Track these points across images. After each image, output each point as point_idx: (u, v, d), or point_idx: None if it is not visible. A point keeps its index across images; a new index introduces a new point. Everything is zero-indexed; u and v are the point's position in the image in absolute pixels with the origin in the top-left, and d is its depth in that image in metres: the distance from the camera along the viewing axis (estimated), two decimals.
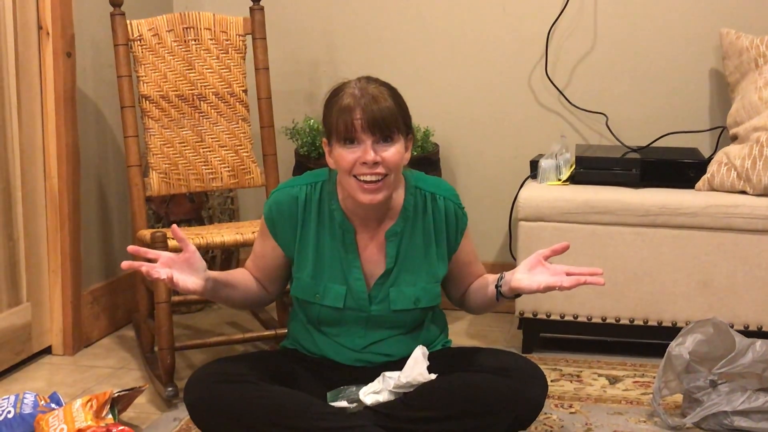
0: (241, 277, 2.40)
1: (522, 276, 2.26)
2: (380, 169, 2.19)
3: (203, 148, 3.10)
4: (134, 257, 2.16)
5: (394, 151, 2.21)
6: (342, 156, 2.20)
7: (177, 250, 2.61)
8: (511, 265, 3.30)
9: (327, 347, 2.37)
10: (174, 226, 2.19)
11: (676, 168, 3.13)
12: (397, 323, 2.36)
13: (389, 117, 2.19)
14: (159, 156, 3.04)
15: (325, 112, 2.27)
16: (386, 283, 2.34)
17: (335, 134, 2.21)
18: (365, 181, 2.20)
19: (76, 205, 3.10)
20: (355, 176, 2.20)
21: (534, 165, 3.27)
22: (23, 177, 2.96)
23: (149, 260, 2.15)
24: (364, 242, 2.34)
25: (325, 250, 2.33)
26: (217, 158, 3.11)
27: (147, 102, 3.03)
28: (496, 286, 2.32)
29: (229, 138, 3.13)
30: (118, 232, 3.43)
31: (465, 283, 2.47)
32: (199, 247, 2.79)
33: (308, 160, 3.37)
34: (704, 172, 3.09)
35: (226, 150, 3.12)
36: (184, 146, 3.08)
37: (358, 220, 2.33)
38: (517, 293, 2.29)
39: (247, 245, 2.84)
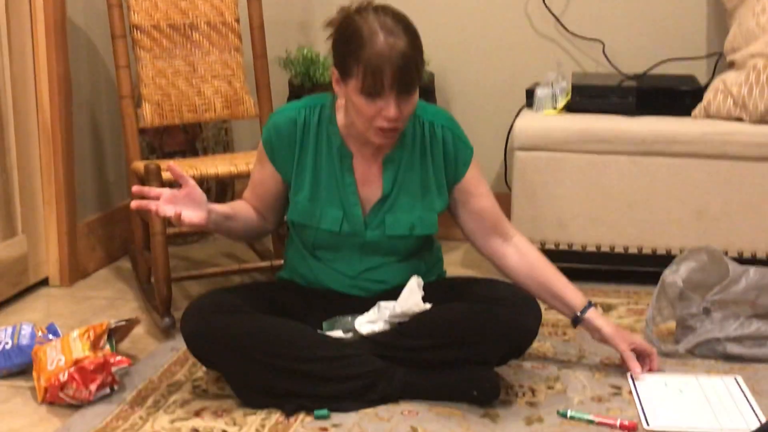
0: (240, 208, 2.40)
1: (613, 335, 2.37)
2: (400, 123, 2.18)
3: (196, 79, 3.08)
4: (138, 197, 2.16)
5: (413, 102, 2.19)
6: (363, 107, 2.16)
7: (172, 184, 2.61)
8: (506, 195, 3.30)
9: (322, 273, 2.38)
10: (171, 163, 2.18)
11: (673, 96, 3.11)
12: (392, 249, 2.37)
13: (415, 73, 2.15)
14: (151, 87, 3.02)
15: (344, 51, 2.18)
16: (382, 208, 2.34)
17: (357, 84, 2.15)
18: (383, 129, 2.18)
19: (68, 136, 3.08)
20: (372, 125, 2.19)
21: (530, 94, 3.25)
22: (15, 109, 2.94)
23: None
24: (362, 167, 2.33)
25: (322, 174, 2.33)
26: (210, 89, 3.09)
27: (138, 32, 2.99)
28: (578, 316, 2.40)
29: (221, 68, 3.10)
30: (112, 164, 3.41)
31: (484, 225, 2.42)
32: (194, 179, 2.78)
33: (302, 90, 3.34)
34: (701, 99, 3.07)
35: (219, 80, 3.10)
36: (177, 77, 3.05)
37: (356, 145, 2.32)
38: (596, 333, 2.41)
39: (242, 176, 2.83)
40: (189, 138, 3.53)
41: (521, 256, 2.41)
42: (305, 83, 3.34)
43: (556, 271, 2.43)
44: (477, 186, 2.41)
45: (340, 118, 2.32)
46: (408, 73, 2.13)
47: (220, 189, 3.69)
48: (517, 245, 2.42)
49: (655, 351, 2.40)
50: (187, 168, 2.77)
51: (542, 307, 2.33)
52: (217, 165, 2.82)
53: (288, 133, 2.33)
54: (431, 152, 2.36)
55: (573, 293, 2.40)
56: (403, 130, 2.31)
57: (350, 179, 2.33)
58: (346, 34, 2.17)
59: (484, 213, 2.41)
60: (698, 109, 3.06)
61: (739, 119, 3.01)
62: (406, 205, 2.35)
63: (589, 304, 2.38)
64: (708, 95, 3.05)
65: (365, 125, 2.20)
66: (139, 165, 2.84)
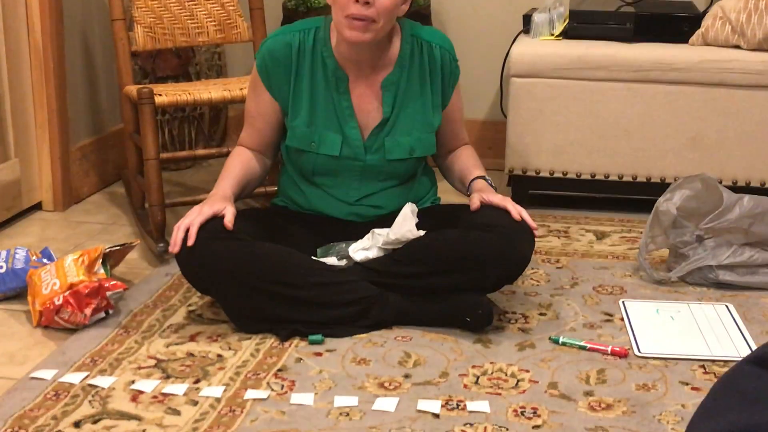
0: (244, 167, 2.39)
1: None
2: (371, 11, 2.16)
3: (188, 2, 3.03)
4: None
5: None
6: None
7: (165, 109, 2.61)
8: (502, 123, 3.30)
9: (319, 201, 2.38)
10: (226, 222, 2.22)
11: (671, 22, 3.08)
12: (391, 173, 2.37)
13: None
14: (144, 10, 2.97)
15: None
16: (382, 132, 2.33)
17: None
18: (354, 18, 2.17)
19: (60, 60, 3.05)
20: (346, 14, 2.18)
21: (527, 19, 3.21)
22: (5, 32, 2.90)
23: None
24: (359, 91, 2.32)
25: (319, 98, 2.32)
26: (203, 12, 3.05)
27: None
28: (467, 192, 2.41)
29: None
30: (105, 89, 3.38)
31: (448, 144, 2.46)
32: (187, 104, 2.77)
33: (296, 14, 3.30)
34: (699, 26, 3.04)
35: (212, 3, 3.06)
36: (169, 1, 3.01)
37: (352, 68, 2.30)
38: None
39: (235, 101, 2.81)
40: (182, 62, 3.50)
41: (456, 155, 2.49)
42: (299, 7, 3.30)
43: (474, 159, 2.47)
44: (455, 111, 2.44)
45: (334, 40, 2.30)
46: None
47: (213, 114, 3.66)
48: (460, 150, 2.49)
49: (508, 199, 2.32)
50: (180, 92, 2.75)
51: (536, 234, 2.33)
52: (210, 90, 2.79)
53: (283, 57, 2.31)
54: (430, 72, 2.35)
55: (471, 172, 2.43)
56: (401, 52, 2.30)
57: (347, 102, 2.31)
58: None
59: (456, 139, 2.48)
60: (696, 36, 3.03)
61: (737, 46, 2.98)
62: (406, 127, 2.34)
63: (480, 178, 2.40)
64: (706, 22, 3.02)
65: (339, 15, 2.20)
66: (132, 89, 2.82)
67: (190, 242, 2.16)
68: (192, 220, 2.19)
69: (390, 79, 2.32)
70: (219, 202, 2.24)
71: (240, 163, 2.40)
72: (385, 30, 2.24)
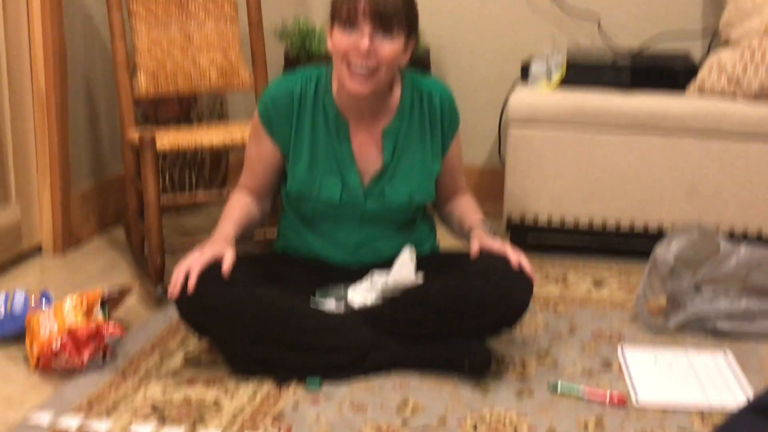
0: (243, 211, 2.40)
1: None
2: (372, 62, 2.19)
3: (191, 49, 3.07)
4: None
5: (391, 47, 2.20)
6: (339, 40, 2.20)
7: (165, 154, 2.62)
8: (500, 170, 3.32)
9: (319, 246, 2.39)
10: (224, 268, 2.21)
11: (667, 72, 3.11)
12: (391, 219, 2.38)
13: (393, 10, 2.18)
14: (146, 56, 3.01)
15: None
16: (382, 179, 2.35)
17: (337, 17, 2.20)
18: (356, 68, 2.19)
19: (63, 105, 3.07)
20: (347, 64, 2.20)
21: (525, 68, 3.24)
22: (9, 78, 2.93)
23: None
24: (359, 138, 2.34)
25: (320, 145, 2.33)
26: (206, 59, 3.08)
27: (134, 2, 2.98)
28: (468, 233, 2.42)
29: (217, 38, 3.09)
30: (107, 133, 3.41)
31: (447, 192, 2.47)
32: (188, 149, 2.79)
33: (298, 61, 3.33)
34: (695, 76, 3.07)
35: (215, 51, 3.09)
36: (172, 47, 3.04)
37: (353, 116, 2.32)
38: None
39: (236, 147, 2.83)
40: (184, 107, 3.52)
41: (454, 203, 2.50)
42: (301, 55, 3.33)
43: (473, 206, 2.49)
44: (454, 159, 2.46)
45: (335, 88, 2.32)
46: (383, 4, 2.15)
47: (214, 159, 3.68)
48: (458, 198, 2.50)
49: (506, 245, 2.33)
50: (181, 137, 2.77)
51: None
52: (212, 135, 2.82)
53: (285, 104, 2.33)
54: (430, 121, 2.38)
55: (470, 220, 2.44)
56: (401, 101, 2.32)
57: (347, 149, 2.33)
58: None
59: (455, 186, 2.50)
60: (692, 86, 3.06)
61: (733, 97, 3.01)
62: (405, 174, 2.36)
63: (479, 224, 2.41)
64: (702, 72, 3.05)
65: (341, 63, 2.22)
66: (134, 134, 2.84)
67: (191, 287, 2.16)
68: (192, 263, 2.20)
69: (390, 127, 2.34)
70: (219, 245, 2.25)
71: (240, 206, 2.40)
72: (386, 80, 2.27)
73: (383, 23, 2.17)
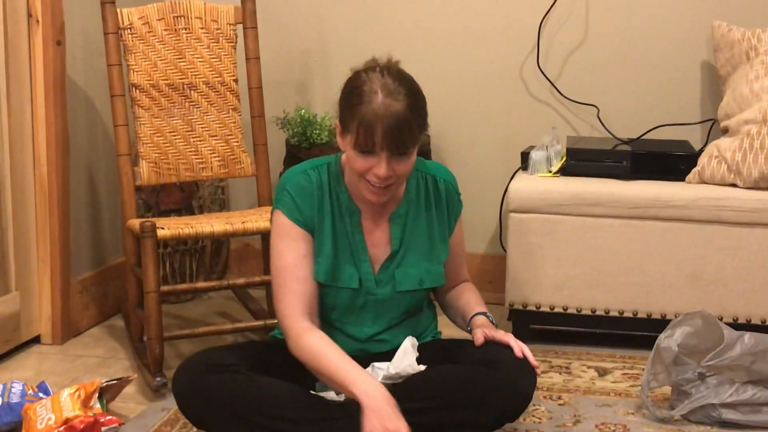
0: (330, 345, 2.21)
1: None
2: (391, 182, 2.19)
3: (193, 138, 3.09)
4: None
5: (407, 164, 2.20)
6: (357, 161, 2.18)
7: (167, 242, 2.62)
8: (501, 257, 3.31)
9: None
10: None
11: (667, 160, 3.13)
12: (401, 307, 2.36)
13: (408, 135, 2.16)
14: (149, 145, 3.03)
15: (344, 105, 2.21)
16: (391, 265, 2.34)
17: (352, 139, 2.17)
18: (374, 186, 2.19)
19: (65, 193, 3.09)
20: (364, 180, 2.20)
21: (525, 156, 3.26)
22: (12, 165, 2.95)
23: None
24: (369, 225, 2.34)
25: (338, 233, 2.32)
26: (208, 147, 3.10)
27: (137, 91, 3.02)
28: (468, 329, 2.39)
29: (219, 127, 3.12)
30: (108, 222, 3.42)
31: (449, 279, 2.46)
32: (189, 237, 2.79)
33: (299, 150, 3.36)
34: (695, 164, 3.09)
35: (217, 139, 3.12)
36: (174, 135, 3.07)
37: (363, 204, 2.32)
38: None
39: (237, 235, 2.83)
40: (185, 196, 3.54)
41: (458, 291, 2.48)
42: (302, 143, 3.36)
43: (476, 295, 2.46)
44: (456, 244, 2.45)
45: (347, 176, 2.32)
46: (400, 134, 2.15)
47: (215, 247, 3.69)
48: (461, 287, 2.49)
49: (510, 335, 2.29)
50: (182, 225, 2.78)
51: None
52: (213, 223, 2.82)
53: (308, 189, 2.29)
54: (435, 205, 2.38)
55: (471, 309, 2.41)
56: (408, 186, 2.33)
57: (359, 237, 2.32)
58: (349, 90, 2.21)
59: (455, 274, 2.48)
60: (692, 174, 3.08)
61: (733, 185, 3.02)
62: (414, 259, 2.35)
63: (482, 314, 2.38)
64: (702, 160, 3.07)
65: (359, 180, 2.21)
66: (135, 222, 2.84)
67: None
68: None
69: (398, 213, 2.34)
70: (397, 416, 2.08)
71: (335, 347, 2.20)
72: (402, 185, 2.28)
73: (399, 149, 2.17)
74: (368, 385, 2.09)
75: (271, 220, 2.34)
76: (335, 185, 2.32)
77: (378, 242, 2.34)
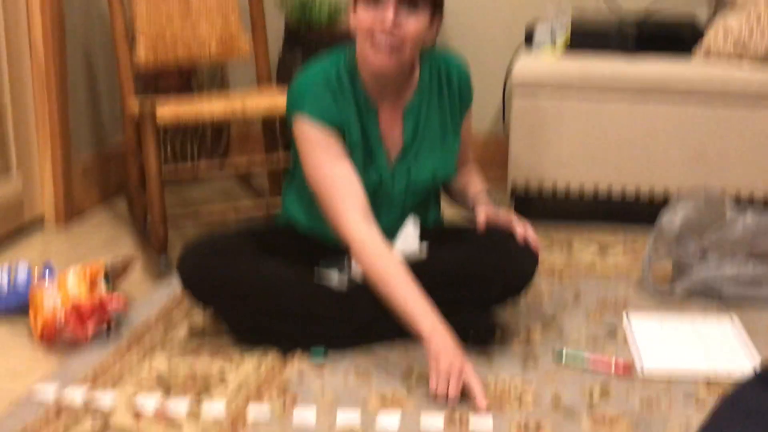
0: (395, 257, 2.18)
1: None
2: (397, 38, 2.13)
3: (191, 18, 3.04)
4: None
5: (416, 22, 2.14)
6: (363, 16, 2.13)
7: (166, 121, 2.59)
8: (503, 139, 3.29)
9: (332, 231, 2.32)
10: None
11: (673, 37, 3.08)
12: (414, 199, 2.35)
13: None
14: (146, 26, 2.98)
15: None
16: (406, 159, 2.31)
17: None
18: (380, 42, 2.13)
19: (62, 74, 3.05)
20: (371, 40, 2.15)
21: (529, 33, 3.21)
22: (8, 47, 2.91)
23: None
24: (385, 120, 2.30)
25: (358, 128, 2.28)
26: (206, 28, 3.05)
27: None
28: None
29: (217, 7, 3.06)
30: (107, 103, 3.39)
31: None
32: (189, 119, 2.77)
33: (298, 30, 3.31)
34: (701, 40, 3.04)
35: (214, 19, 3.06)
36: (172, 16, 3.01)
37: (379, 95, 2.27)
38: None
39: (237, 117, 2.81)
40: (184, 77, 3.50)
41: (459, 174, 2.46)
42: (301, 24, 3.30)
43: (477, 177, 2.46)
44: (465, 133, 2.43)
45: (361, 69, 2.27)
46: None
47: (215, 129, 3.67)
48: (463, 169, 2.48)
49: (512, 215, 2.30)
50: (182, 108, 2.75)
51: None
52: (213, 106, 2.79)
53: (330, 89, 2.22)
54: (448, 95, 2.34)
55: (474, 189, 2.41)
56: (421, 76, 2.28)
57: (377, 132, 2.29)
58: None
59: (462, 159, 2.45)
60: (698, 51, 3.03)
61: (740, 61, 2.98)
62: (428, 152, 2.32)
63: (485, 194, 2.39)
64: (708, 36, 3.03)
65: (364, 40, 2.15)
66: (134, 104, 2.82)
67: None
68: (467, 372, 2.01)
69: (411, 105, 2.30)
70: (463, 356, 2.04)
71: (402, 269, 2.12)
72: (410, 57, 2.20)
73: None
74: (435, 326, 2.04)
75: (291, 126, 2.26)
76: (354, 81, 2.27)
77: (393, 136, 2.31)
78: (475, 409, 1.95)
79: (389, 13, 2.10)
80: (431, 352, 2.02)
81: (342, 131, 2.23)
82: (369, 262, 2.12)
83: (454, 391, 1.98)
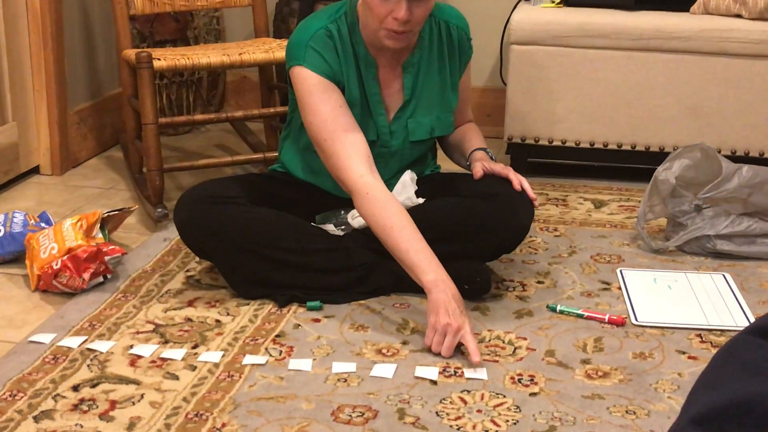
0: (399, 205, 2.15)
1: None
2: (409, 26, 2.13)
3: None
4: None
5: (426, 8, 2.13)
6: (375, 6, 2.11)
7: (163, 71, 2.58)
8: (501, 90, 3.29)
9: (331, 184, 2.32)
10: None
11: None
12: (411, 155, 2.35)
13: None
14: None
15: None
16: (404, 115, 2.31)
17: None
18: (392, 31, 2.13)
19: (58, 23, 3.03)
20: (381, 26, 2.14)
21: None
22: None
23: None
24: (384, 76, 2.29)
25: (357, 84, 2.27)
26: None
27: None
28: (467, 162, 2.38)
29: None
30: (103, 53, 3.37)
31: (454, 120, 2.44)
32: (186, 69, 2.75)
33: None
34: None
35: None
36: None
37: (379, 53, 2.26)
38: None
39: (234, 67, 2.79)
40: (180, 26, 3.48)
41: (459, 131, 2.46)
42: None
43: (477, 134, 2.45)
44: (464, 89, 2.42)
45: (362, 25, 2.25)
46: None
47: (211, 79, 3.65)
48: (463, 126, 2.47)
49: (509, 169, 2.29)
50: (178, 57, 2.74)
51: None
52: (209, 55, 2.78)
53: (330, 44, 2.21)
54: (448, 52, 2.33)
55: (470, 143, 2.40)
56: (421, 33, 2.27)
57: (376, 88, 2.28)
58: None
59: (460, 116, 2.45)
60: (697, 5, 3.02)
61: (738, 15, 2.97)
62: (426, 108, 2.32)
63: (482, 150, 2.37)
64: None
65: (377, 26, 2.14)
66: (130, 53, 2.80)
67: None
68: (464, 332, 1.98)
69: (411, 60, 2.29)
70: (467, 311, 2.05)
71: (401, 210, 2.11)
72: (419, 30, 2.22)
73: None
74: (438, 276, 2.02)
75: (288, 79, 2.26)
76: (353, 36, 2.25)
77: (392, 92, 2.30)
78: (469, 363, 1.97)
79: (402, 10, 2.09)
80: (431, 304, 2.02)
81: (342, 86, 2.22)
82: (373, 212, 2.11)
83: (447, 351, 1.98)
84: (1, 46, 2.90)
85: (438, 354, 2.00)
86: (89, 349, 2.01)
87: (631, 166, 3.11)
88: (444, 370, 1.95)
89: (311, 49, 2.19)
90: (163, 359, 1.98)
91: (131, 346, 2.03)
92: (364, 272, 2.23)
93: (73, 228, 2.32)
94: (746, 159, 2.96)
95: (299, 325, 2.13)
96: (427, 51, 2.30)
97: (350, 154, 2.15)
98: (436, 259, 2.06)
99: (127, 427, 1.75)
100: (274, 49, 2.81)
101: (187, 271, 2.40)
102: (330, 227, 2.33)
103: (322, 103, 2.18)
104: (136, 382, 1.90)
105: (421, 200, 2.28)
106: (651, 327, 2.15)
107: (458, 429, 1.76)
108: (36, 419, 1.77)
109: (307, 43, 2.20)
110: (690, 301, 2.27)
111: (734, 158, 2.86)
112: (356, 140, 2.17)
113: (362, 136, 2.19)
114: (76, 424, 1.75)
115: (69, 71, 3.13)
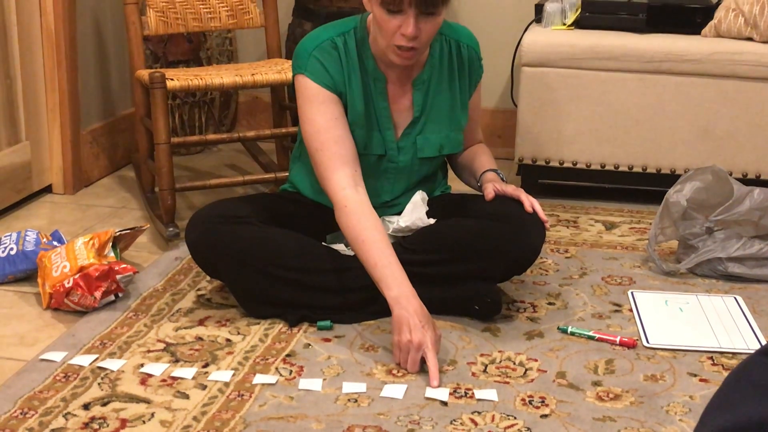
0: (376, 221, 2.16)
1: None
2: (417, 42, 2.14)
3: None
4: None
5: (434, 24, 2.14)
6: (383, 21, 2.12)
7: (176, 91, 2.60)
8: (512, 112, 3.29)
9: None
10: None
11: (683, 13, 3.07)
12: (419, 173, 2.36)
13: None
14: None
15: None
16: (413, 131, 2.31)
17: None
18: (400, 47, 2.14)
19: (72, 43, 3.05)
20: (390, 43, 2.14)
21: (539, 8, 3.20)
22: (18, 14, 2.91)
23: None
24: (393, 92, 2.29)
25: (364, 99, 2.28)
26: None
27: None
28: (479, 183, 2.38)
29: None
30: (116, 72, 3.39)
31: (464, 142, 2.44)
32: (198, 89, 2.77)
33: (308, 3, 3.29)
34: (711, 17, 3.03)
35: None
36: None
37: (389, 68, 2.27)
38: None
39: (246, 87, 2.81)
40: (193, 47, 3.50)
41: (470, 152, 2.46)
42: None
43: (487, 155, 2.44)
44: (474, 109, 2.43)
45: (371, 40, 2.26)
46: None
47: (223, 100, 3.67)
48: (474, 148, 2.47)
49: (520, 190, 2.29)
50: (191, 77, 2.75)
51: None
52: (222, 75, 2.79)
53: (331, 54, 2.23)
54: (458, 71, 2.33)
55: (480, 164, 2.41)
56: (431, 51, 2.28)
57: (384, 104, 2.29)
58: None
59: (470, 135, 2.45)
60: (708, 28, 3.02)
61: (750, 39, 2.97)
62: (435, 126, 2.33)
63: (493, 171, 2.37)
64: (719, 13, 3.01)
65: (385, 41, 2.15)
66: (144, 73, 2.82)
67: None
68: (424, 348, 2.00)
69: (421, 77, 2.30)
70: (430, 325, 2.04)
71: (377, 225, 2.14)
72: (428, 47, 2.23)
73: (428, 7, 2.11)
74: (401, 292, 2.05)
75: (293, 87, 2.28)
76: (362, 50, 2.27)
77: (401, 108, 2.31)
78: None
79: (410, 28, 2.09)
80: (393, 321, 2.05)
81: (344, 99, 2.23)
82: (348, 224, 2.14)
83: (411, 367, 2.01)
84: (15, 65, 2.92)
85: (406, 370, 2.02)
86: (100, 368, 2.02)
87: (642, 188, 3.11)
88: (455, 391, 1.95)
89: (314, 59, 2.22)
90: (174, 378, 1.98)
91: (142, 365, 2.03)
92: (375, 293, 2.23)
93: (85, 247, 2.33)
94: (758, 182, 2.96)
95: (309, 344, 2.13)
96: (438, 69, 2.31)
97: (337, 166, 2.18)
98: (404, 275, 2.07)
99: None
100: (286, 70, 2.82)
101: (198, 290, 2.40)
102: (341, 247, 2.33)
103: (318, 114, 2.21)
104: (147, 401, 1.90)
105: (432, 221, 2.28)
106: (662, 349, 2.15)
107: None
108: None
109: (311, 53, 2.22)
110: (701, 324, 2.27)
111: (746, 181, 2.86)
112: (344, 153, 2.19)
113: (353, 149, 2.21)
114: None
115: (82, 91, 3.15)
